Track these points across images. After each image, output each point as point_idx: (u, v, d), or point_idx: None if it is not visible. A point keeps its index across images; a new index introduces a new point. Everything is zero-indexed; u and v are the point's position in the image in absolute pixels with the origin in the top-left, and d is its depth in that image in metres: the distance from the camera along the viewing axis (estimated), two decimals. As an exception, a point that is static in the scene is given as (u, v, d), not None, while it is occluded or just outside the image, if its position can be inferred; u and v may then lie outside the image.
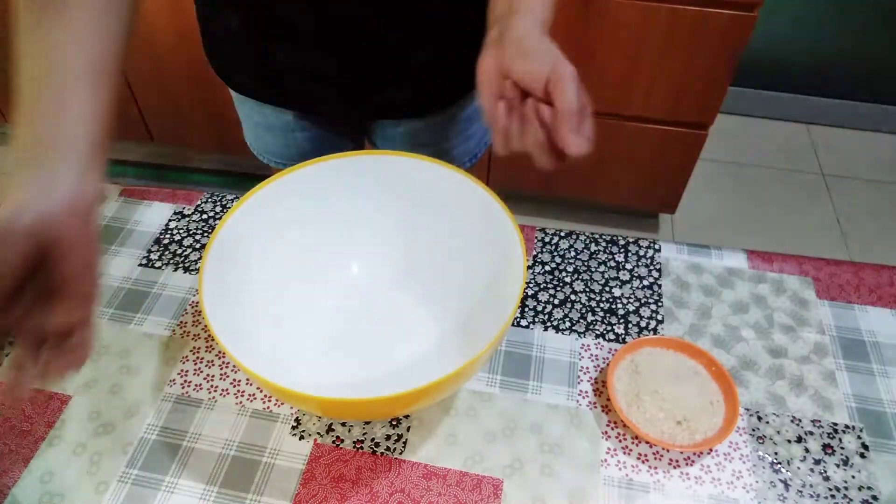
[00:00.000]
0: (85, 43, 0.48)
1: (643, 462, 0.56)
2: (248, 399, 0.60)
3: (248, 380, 0.62)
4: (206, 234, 0.75)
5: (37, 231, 0.40)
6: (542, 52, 0.46)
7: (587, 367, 0.63)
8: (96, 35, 0.49)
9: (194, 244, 0.74)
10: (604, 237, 0.75)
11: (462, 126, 0.81)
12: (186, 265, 0.72)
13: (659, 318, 0.67)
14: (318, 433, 0.58)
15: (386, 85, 0.72)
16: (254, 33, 0.68)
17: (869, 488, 0.55)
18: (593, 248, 0.74)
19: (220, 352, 0.64)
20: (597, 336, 0.65)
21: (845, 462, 0.57)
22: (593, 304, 0.68)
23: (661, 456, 0.57)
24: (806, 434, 0.58)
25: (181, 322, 0.66)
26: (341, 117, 0.82)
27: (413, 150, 0.81)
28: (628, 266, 0.72)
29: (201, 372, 0.62)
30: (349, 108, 0.76)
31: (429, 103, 0.77)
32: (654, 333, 0.66)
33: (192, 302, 0.68)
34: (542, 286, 0.70)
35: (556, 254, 0.73)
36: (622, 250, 0.73)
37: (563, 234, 0.75)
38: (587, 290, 0.69)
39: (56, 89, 0.45)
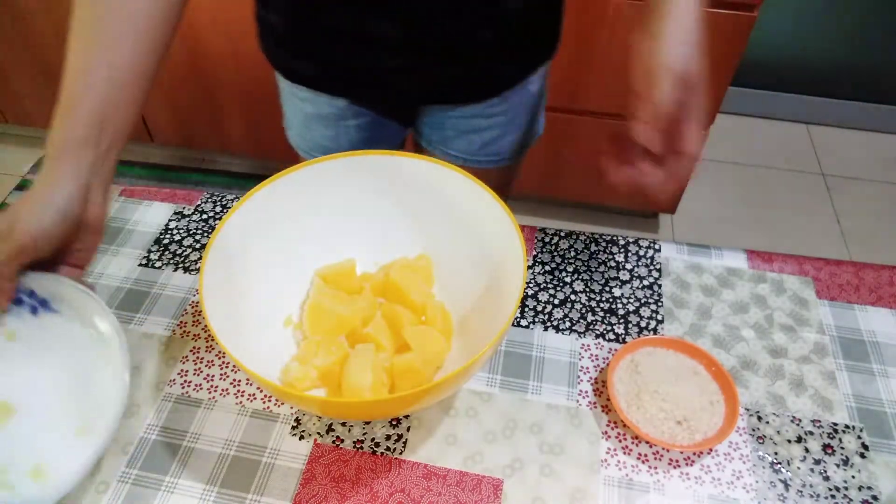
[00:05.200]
0: (127, 50, 0.54)
1: (643, 462, 0.56)
2: (248, 399, 0.60)
3: (248, 380, 0.62)
4: (206, 234, 0.75)
5: (29, 245, 0.50)
6: (676, 62, 0.49)
7: (587, 367, 0.63)
8: (139, 44, 0.55)
9: (194, 244, 0.74)
10: (604, 237, 0.75)
11: (512, 114, 0.80)
12: (186, 265, 0.72)
13: (659, 318, 0.67)
14: (318, 433, 0.58)
15: (448, 61, 0.71)
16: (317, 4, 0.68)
17: (869, 488, 0.55)
18: (593, 248, 0.74)
19: (220, 352, 0.64)
20: (597, 336, 0.65)
21: (845, 462, 0.57)
22: (593, 304, 0.68)
23: (661, 456, 0.57)
24: (806, 434, 0.58)
25: (181, 322, 0.66)
26: (397, 100, 0.80)
27: (461, 139, 0.81)
28: (628, 266, 0.72)
29: (201, 372, 0.62)
30: (407, 86, 0.74)
31: (486, 85, 0.75)
32: (654, 333, 0.66)
33: (192, 302, 0.68)
34: (542, 286, 0.70)
35: (556, 254, 0.73)
36: (622, 250, 0.73)
37: (563, 234, 0.75)
38: (587, 290, 0.69)
39: (85, 93, 0.53)
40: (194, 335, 0.65)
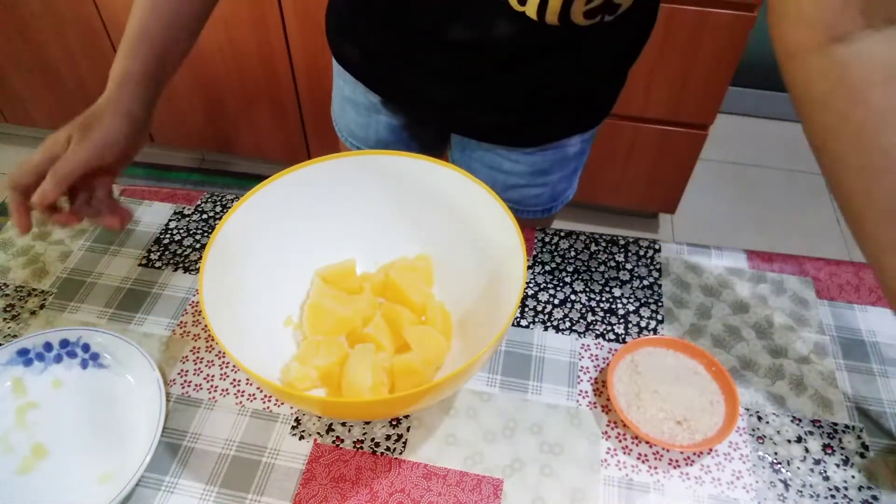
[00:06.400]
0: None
1: (643, 462, 0.56)
2: (248, 399, 0.60)
3: (248, 380, 0.62)
4: (206, 234, 0.75)
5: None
6: None
7: (587, 367, 0.63)
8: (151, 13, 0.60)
9: (194, 244, 0.74)
10: (604, 237, 0.75)
11: (540, 167, 0.77)
12: (186, 265, 0.72)
13: (659, 318, 0.67)
14: (318, 433, 0.58)
15: (486, 104, 0.70)
16: (380, 17, 0.68)
17: (869, 488, 0.55)
18: (593, 248, 0.74)
19: (220, 352, 0.64)
20: (597, 336, 0.65)
21: (845, 462, 0.57)
22: (593, 304, 0.68)
23: (661, 456, 0.57)
24: (806, 434, 0.58)
25: (181, 322, 0.66)
26: (426, 115, 0.80)
27: (484, 172, 0.79)
28: (628, 266, 0.72)
29: (201, 372, 0.62)
30: (438, 112, 0.75)
31: (517, 135, 0.74)
32: (654, 333, 0.66)
33: (192, 302, 0.68)
34: (542, 286, 0.70)
35: (556, 254, 0.73)
36: (622, 250, 0.73)
37: (563, 234, 0.75)
38: (587, 290, 0.69)
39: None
40: (194, 335, 0.65)
